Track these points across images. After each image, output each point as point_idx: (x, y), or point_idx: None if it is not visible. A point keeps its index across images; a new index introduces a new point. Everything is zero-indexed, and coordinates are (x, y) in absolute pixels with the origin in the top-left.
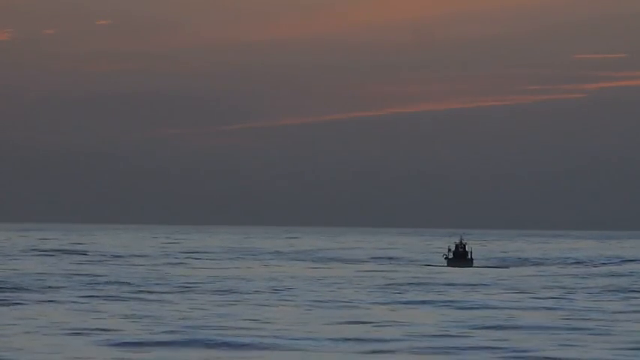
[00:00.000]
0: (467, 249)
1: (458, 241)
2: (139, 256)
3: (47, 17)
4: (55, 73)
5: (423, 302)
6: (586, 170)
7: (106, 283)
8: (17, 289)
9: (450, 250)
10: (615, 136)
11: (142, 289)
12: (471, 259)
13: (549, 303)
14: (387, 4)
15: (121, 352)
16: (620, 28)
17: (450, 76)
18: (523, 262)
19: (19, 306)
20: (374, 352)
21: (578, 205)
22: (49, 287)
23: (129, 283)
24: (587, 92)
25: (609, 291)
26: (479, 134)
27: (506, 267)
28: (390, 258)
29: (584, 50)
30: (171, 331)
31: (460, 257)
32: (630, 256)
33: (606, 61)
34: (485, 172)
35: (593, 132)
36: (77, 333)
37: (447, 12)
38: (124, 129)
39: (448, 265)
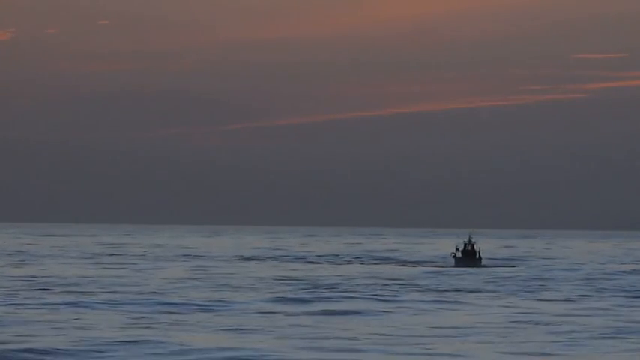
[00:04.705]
0: (475, 248)
1: (466, 240)
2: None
3: (49, 17)
4: (57, 73)
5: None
6: (587, 170)
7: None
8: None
9: (457, 249)
10: (616, 135)
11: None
12: (480, 258)
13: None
14: (388, 3)
15: None
16: (621, 28)
17: (450, 76)
18: (531, 260)
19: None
20: None
21: (579, 204)
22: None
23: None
24: (588, 92)
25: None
26: (479, 134)
27: (513, 266)
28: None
29: (585, 50)
30: None
31: (468, 256)
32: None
33: (607, 61)
34: (485, 171)
35: (593, 132)
36: None
37: (448, 12)
38: (124, 129)
39: (456, 265)
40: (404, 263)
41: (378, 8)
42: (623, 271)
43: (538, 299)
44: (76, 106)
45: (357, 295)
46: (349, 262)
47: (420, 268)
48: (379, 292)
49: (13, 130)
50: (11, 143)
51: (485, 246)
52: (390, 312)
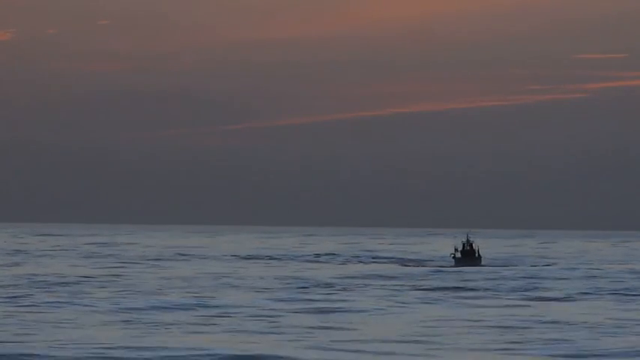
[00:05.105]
0: (474, 247)
1: (464, 240)
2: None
3: (49, 17)
4: (57, 73)
5: None
6: (586, 170)
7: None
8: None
9: (456, 249)
10: (617, 136)
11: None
12: (479, 257)
13: None
14: (388, 3)
15: None
16: (621, 28)
17: (451, 76)
18: (531, 260)
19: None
20: None
21: (579, 204)
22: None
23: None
24: (588, 92)
25: None
26: (479, 134)
27: (514, 265)
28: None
29: (586, 50)
30: None
31: (468, 256)
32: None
33: (608, 61)
34: (485, 172)
35: (594, 132)
36: None
37: (447, 12)
38: (124, 129)
39: (456, 265)
40: (404, 263)
41: (378, 8)
42: (623, 271)
43: (538, 298)
44: (76, 106)
45: (357, 295)
46: (349, 262)
47: (419, 268)
48: (379, 292)
49: (12, 130)
50: (11, 143)
51: (485, 246)
52: (390, 311)
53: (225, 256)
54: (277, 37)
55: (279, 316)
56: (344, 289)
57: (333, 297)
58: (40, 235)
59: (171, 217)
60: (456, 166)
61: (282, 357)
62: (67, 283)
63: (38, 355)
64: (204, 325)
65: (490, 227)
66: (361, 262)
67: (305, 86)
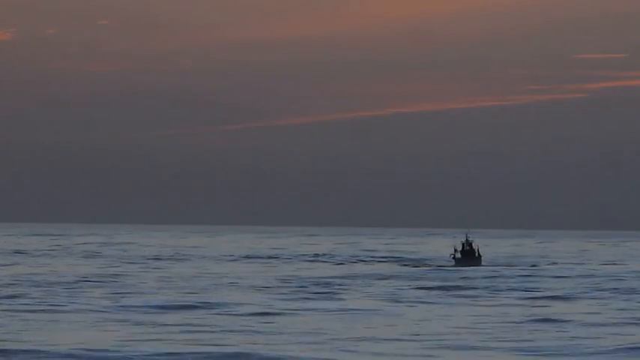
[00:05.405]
0: (473, 247)
1: (464, 240)
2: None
3: (49, 17)
4: (57, 73)
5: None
6: (587, 170)
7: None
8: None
9: (456, 250)
10: (617, 135)
11: None
12: (479, 256)
13: None
14: (388, 3)
15: None
16: (621, 28)
17: (450, 76)
18: (530, 260)
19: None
20: None
21: (579, 204)
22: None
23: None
24: (588, 92)
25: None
26: (479, 134)
27: (513, 265)
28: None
29: (586, 50)
30: None
31: (468, 256)
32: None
33: (608, 61)
34: (485, 172)
35: (594, 132)
36: None
37: (447, 12)
38: (124, 129)
39: (456, 265)
40: (404, 263)
41: (379, 8)
42: (623, 271)
43: (537, 297)
44: (76, 106)
45: (356, 294)
46: (349, 262)
47: (420, 268)
48: (379, 292)
49: (12, 130)
50: (10, 143)
51: (485, 246)
52: (390, 311)
53: (225, 256)
54: (277, 37)
55: (279, 315)
56: (343, 289)
57: (333, 296)
58: (39, 235)
59: (171, 217)
60: (455, 166)
61: (281, 357)
62: (66, 283)
63: (37, 350)
64: (204, 324)
65: (490, 227)
66: (361, 261)
67: (305, 86)
